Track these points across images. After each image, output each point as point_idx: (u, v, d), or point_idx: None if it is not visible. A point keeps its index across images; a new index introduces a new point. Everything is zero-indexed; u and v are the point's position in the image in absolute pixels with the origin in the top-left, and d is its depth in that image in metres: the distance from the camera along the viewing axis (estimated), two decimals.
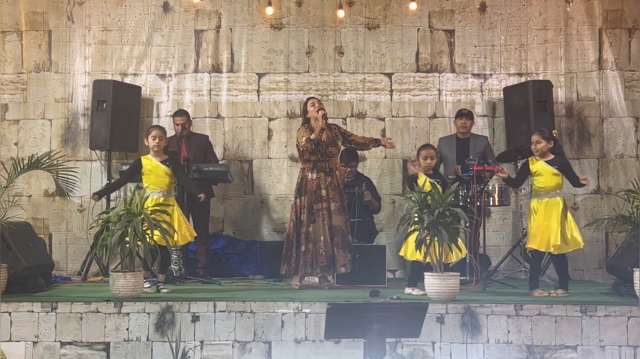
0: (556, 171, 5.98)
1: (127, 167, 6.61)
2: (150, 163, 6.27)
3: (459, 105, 7.74)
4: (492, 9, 7.96)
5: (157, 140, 6.27)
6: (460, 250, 5.86)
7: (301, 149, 6.43)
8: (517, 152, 6.90)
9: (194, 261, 7.18)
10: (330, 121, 7.36)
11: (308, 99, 6.61)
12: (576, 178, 6.11)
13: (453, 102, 7.87)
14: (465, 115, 7.31)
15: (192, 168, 6.83)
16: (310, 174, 6.35)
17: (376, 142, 6.62)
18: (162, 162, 6.28)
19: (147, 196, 5.89)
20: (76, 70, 7.90)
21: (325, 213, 6.28)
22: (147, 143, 6.35)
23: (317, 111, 6.34)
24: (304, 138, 6.36)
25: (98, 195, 6.41)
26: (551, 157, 6.03)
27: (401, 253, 6.13)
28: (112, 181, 6.83)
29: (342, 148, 6.82)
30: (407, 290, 6.09)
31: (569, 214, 6.00)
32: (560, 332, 5.25)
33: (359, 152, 7.58)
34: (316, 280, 6.47)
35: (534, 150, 6.05)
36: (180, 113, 7.35)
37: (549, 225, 5.91)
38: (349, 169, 7.27)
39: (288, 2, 7.95)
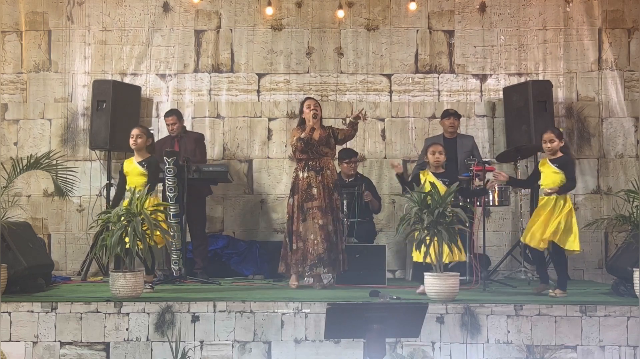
0: (556, 169, 5.92)
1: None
2: (129, 164, 6.33)
3: (458, 106, 7.74)
4: (492, 9, 7.97)
5: (133, 139, 6.31)
6: (460, 250, 5.87)
7: (292, 148, 6.50)
8: (517, 152, 6.90)
9: (191, 262, 7.17)
10: (330, 122, 7.41)
11: (305, 99, 6.62)
12: (571, 181, 5.93)
13: (452, 103, 7.88)
14: (452, 114, 7.32)
15: (192, 168, 6.84)
16: (301, 173, 6.39)
17: (354, 124, 6.46)
18: (139, 163, 6.29)
19: (147, 197, 5.88)
20: (76, 70, 7.90)
21: (316, 211, 6.29)
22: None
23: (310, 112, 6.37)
24: (294, 137, 6.41)
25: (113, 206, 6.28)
26: (558, 155, 5.98)
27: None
28: (116, 190, 6.77)
29: (340, 147, 6.87)
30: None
31: (565, 214, 5.87)
32: (560, 332, 5.25)
33: (358, 151, 7.61)
34: (312, 279, 6.46)
35: (547, 148, 5.96)
36: (169, 113, 7.38)
37: (538, 221, 5.89)
38: (352, 171, 7.29)
39: (288, 3, 7.95)
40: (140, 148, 6.32)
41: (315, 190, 6.32)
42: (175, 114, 7.33)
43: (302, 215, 6.31)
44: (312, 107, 6.41)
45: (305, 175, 6.36)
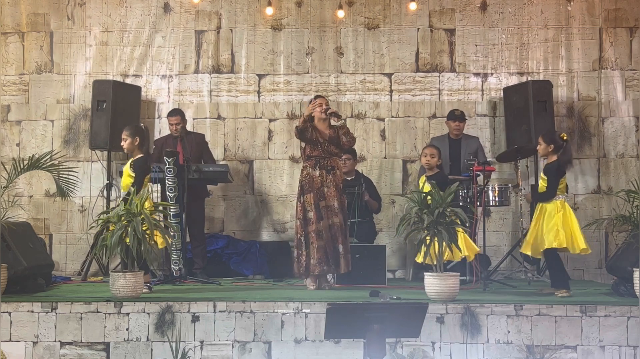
0: (543, 175, 5.96)
1: None
2: (126, 165, 6.29)
3: (459, 105, 7.73)
4: (493, 7, 7.95)
5: (122, 142, 6.26)
6: (460, 249, 5.89)
7: (302, 145, 6.45)
8: (517, 152, 6.90)
9: (191, 262, 7.18)
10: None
11: (314, 98, 6.55)
12: (551, 190, 5.86)
13: (453, 102, 7.87)
14: (458, 117, 7.31)
15: (192, 169, 6.85)
16: (313, 171, 6.34)
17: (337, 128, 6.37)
18: (130, 164, 6.23)
19: (146, 197, 5.89)
20: (77, 71, 7.92)
21: (328, 211, 6.28)
22: None
23: (325, 111, 6.31)
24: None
25: None
26: (551, 160, 5.98)
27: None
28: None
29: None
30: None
31: (561, 216, 5.90)
32: (560, 332, 5.24)
33: (358, 151, 7.61)
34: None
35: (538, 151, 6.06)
36: (174, 112, 7.37)
37: (540, 227, 5.93)
38: (345, 169, 7.29)
39: (288, 3, 7.95)
40: (130, 150, 6.23)
41: (326, 189, 6.30)
42: (179, 114, 7.34)
43: (319, 214, 6.27)
44: (323, 106, 6.35)
45: (317, 173, 6.32)
